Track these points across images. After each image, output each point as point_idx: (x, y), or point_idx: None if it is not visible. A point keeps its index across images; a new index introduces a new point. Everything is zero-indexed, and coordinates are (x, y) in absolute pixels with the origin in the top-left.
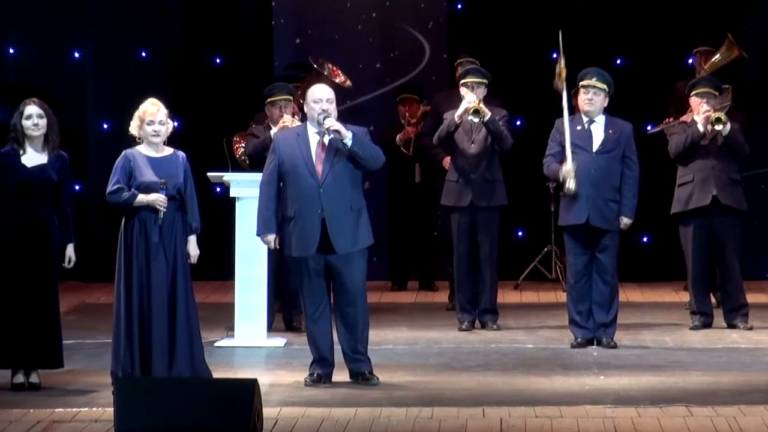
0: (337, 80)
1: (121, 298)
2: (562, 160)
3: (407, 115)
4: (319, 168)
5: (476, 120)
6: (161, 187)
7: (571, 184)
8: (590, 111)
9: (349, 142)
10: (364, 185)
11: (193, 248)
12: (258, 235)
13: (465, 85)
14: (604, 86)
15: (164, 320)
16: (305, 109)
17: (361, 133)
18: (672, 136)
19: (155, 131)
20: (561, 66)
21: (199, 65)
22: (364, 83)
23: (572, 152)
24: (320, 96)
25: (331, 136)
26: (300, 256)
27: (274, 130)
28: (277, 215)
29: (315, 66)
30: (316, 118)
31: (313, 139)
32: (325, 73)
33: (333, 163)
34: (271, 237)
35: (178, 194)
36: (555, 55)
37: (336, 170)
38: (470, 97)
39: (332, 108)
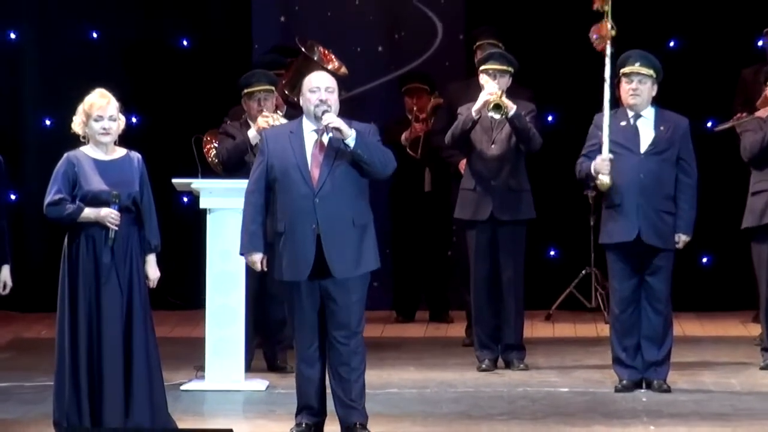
0: (330, 66)
1: (66, 332)
2: None
3: (415, 109)
4: (315, 173)
5: (498, 116)
6: (113, 200)
7: (605, 178)
8: (636, 104)
9: (351, 142)
10: None
11: (152, 270)
12: (242, 254)
13: (485, 72)
14: (651, 72)
15: (118, 359)
16: (300, 100)
17: (367, 131)
18: (745, 134)
19: (104, 129)
20: (607, 25)
21: (162, 48)
22: (363, 70)
23: (615, 153)
24: (318, 84)
25: (330, 134)
26: (292, 280)
27: (252, 132)
28: (265, 230)
29: (303, 49)
30: (313, 112)
31: (310, 138)
32: (315, 58)
33: (332, 167)
34: (258, 256)
35: (133, 205)
36: (596, 37)
37: (336, 176)
38: (491, 88)
39: (333, 99)
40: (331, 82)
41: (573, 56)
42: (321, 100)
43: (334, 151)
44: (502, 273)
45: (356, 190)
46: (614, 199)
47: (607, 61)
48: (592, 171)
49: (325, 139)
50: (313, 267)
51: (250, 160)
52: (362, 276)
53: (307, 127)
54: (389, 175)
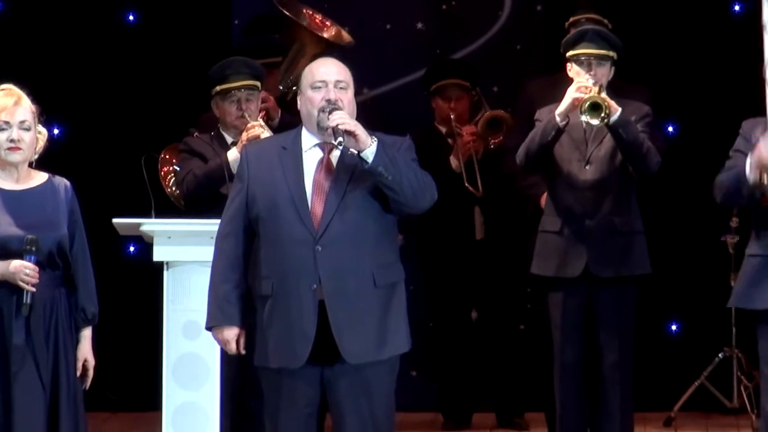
0: (326, 35)
1: None
2: None
3: (453, 117)
4: (317, 208)
5: (595, 122)
6: (27, 248)
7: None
8: None
9: (369, 155)
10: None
11: (87, 352)
12: (209, 328)
13: (575, 60)
14: None
15: None
16: (299, 104)
17: (397, 146)
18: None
19: (12, 141)
20: None
21: (98, 25)
22: (394, 58)
23: None
24: (324, 76)
25: (340, 139)
26: (281, 367)
27: (233, 154)
28: (243, 293)
29: (285, 12)
30: (316, 118)
31: (311, 156)
32: (304, 24)
33: (343, 198)
34: (232, 332)
35: (59, 256)
36: (737, 8)
37: (348, 212)
38: (583, 81)
39: (347, 99)
40: (344, 73)
41: (708, 37)
42: (328, 101)
43: (348, 174)
44: (603, 356)
45: (379, 233)
46: None
47: None
48: (748, 170)
49: (335, 157)
50: (313, 347)
51: (228, 192)
52: (388, 362)
53: (308, 140)
54: (425, 208)
